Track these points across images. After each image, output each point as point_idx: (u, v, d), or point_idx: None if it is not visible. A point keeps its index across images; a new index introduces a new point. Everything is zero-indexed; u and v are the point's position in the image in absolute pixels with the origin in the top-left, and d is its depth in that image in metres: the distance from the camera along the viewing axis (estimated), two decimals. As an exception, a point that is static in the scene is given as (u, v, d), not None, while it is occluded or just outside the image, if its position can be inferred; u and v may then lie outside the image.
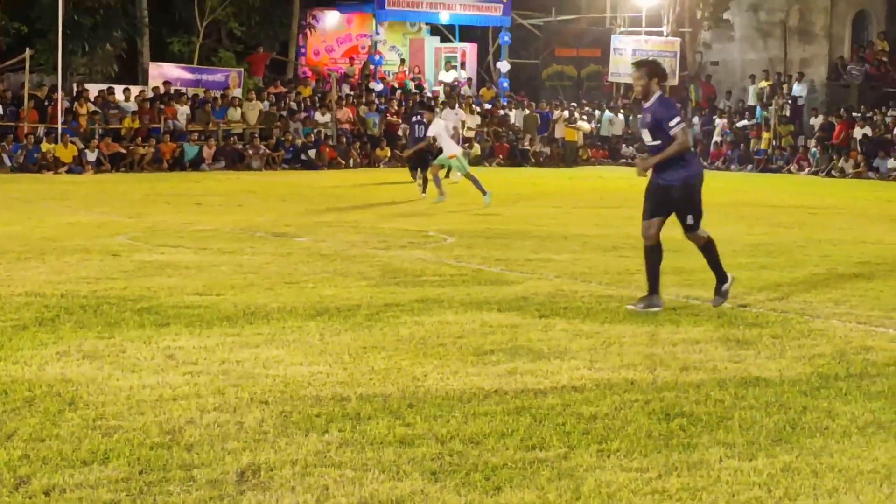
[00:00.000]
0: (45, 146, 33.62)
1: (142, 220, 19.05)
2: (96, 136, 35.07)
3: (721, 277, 10.80)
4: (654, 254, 10.68)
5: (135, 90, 38.40)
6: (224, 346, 8.63)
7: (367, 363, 8.12)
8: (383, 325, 9.53)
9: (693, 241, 10.82)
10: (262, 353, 8.38)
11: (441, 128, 24.67)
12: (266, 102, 39.97)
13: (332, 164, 38.17)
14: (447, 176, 25.81)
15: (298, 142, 38.65)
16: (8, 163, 33.02)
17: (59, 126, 34.52)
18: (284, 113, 40.06)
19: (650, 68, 10.85)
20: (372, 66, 47.00)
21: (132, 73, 41.86)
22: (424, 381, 7.64)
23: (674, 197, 10.59)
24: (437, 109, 28.25)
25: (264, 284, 11.75)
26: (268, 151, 37.61)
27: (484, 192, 23.09)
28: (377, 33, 46.98)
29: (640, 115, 11.32)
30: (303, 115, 40.43)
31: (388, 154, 39.96)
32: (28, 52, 36.04)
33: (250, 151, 37.08)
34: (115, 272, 12.51)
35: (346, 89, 43.88)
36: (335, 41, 49.74)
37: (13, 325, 9.33)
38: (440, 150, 24.44)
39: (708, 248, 10.79)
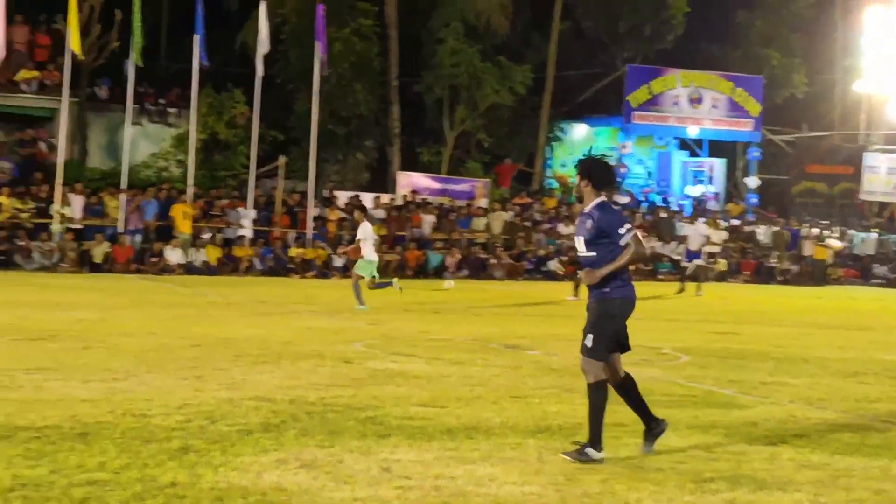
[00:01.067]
0: (294, 251, 34.63)
1: (379, 328, 19.31)
2: (344, 242, 35.93)
3: (594, 438, 8.86)
4: (625, 390, 9.25)
5: (384, 198, 39.31)
6: (441, 460, 8.59)
7: (581, 486, 7.96)
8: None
9: (582, 368, 9.05)
10: (477, 470, 8.30)
11: (367, 231, 23.84)
12: (511, 213, 40.34)
13: (574, 276, 38.08)
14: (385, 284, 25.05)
15: (541, 252, 38.82)
16: (259, 266, 34.09)
17: (309, 231, 35.53)
18: (528, 223, 40.34)
19: (585, 167, 9.27)
20: (617, 179, 47.03)
21: (381, 181, 42.96)
22: (638, 507, 7.45)
23: (587, 312, 9.12)
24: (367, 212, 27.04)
25: (490, 398, 11.70)
26: (510, 261, 37.86)
27: (360, 303, 22.99)
28: (624, 146, 47.00)
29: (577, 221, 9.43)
30: (546, 226, 40.63)
31: (633, 268, 39.75)
32: (282, 159, 37.31)
33: (493, 261, 37.40)
34: (345, 379, 12.66)
35: (590, 202, 43.98)
36: (581, 153, 50.08)
37: (239, 429, 9.50)
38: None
39: (593, 390, 8.94)
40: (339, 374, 13.15)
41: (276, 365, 13.69)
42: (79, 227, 33.96)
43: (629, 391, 9.26)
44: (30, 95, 38.27)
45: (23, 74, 38.19)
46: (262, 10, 35.83)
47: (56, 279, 29.09)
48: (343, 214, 37.43)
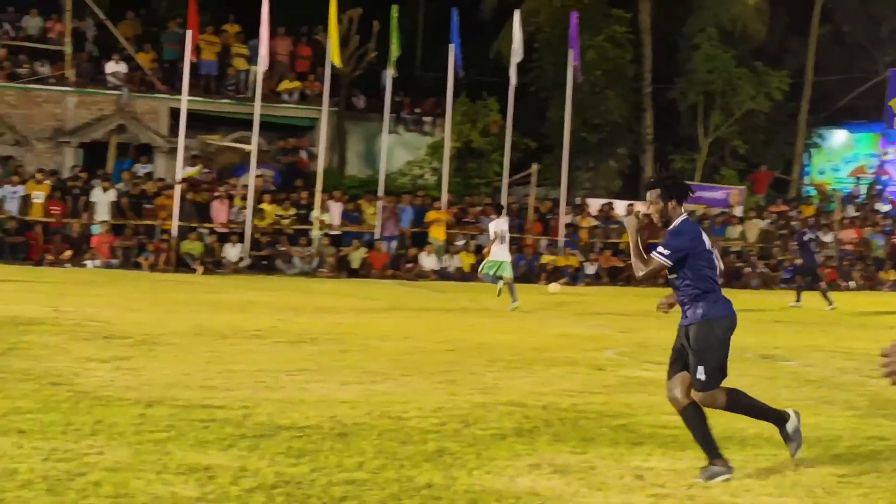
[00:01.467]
0: (545, 258, 34.75)
1: (632, 335, 19.23)
2: (596, 250, 35.90)
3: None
4: (690, 415, 8.44)
5: (637, 205, 39.05)
6: (694, 470, 8.51)
7: (841, 499, 7.79)
8: (863, 459, 9.12)
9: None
10: (732, 481, 8.21)
11: (491, 231, 24.27)
12: (766, 221, 39.61)
13: (832, 286, 37.09)
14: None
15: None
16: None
17: (561, 239, 35.62)
18: (785, 232, 39.52)
19: (666, 188, 8.46)
20: (879, 187, 45.66)
21: (634, 188, 42.70)
22: (900, 523, 7.25)
23: (688, 339, 8.40)
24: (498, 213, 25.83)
25: (744, 408, 11.52)
26: (766, 270, 37.16)
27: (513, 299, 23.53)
28: (886, 153, 45.61)
29: None
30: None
31: (894, 277, 38.58)
32: (535, 166, 37.49)
33: (748, 270, 36.77)
34: (597, 386, 12.68)
35: (850, 210, 42.83)
36: (841, 160, 48.78)
37: (493, 433, 9.62)
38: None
39: (733, 403, 8.59)
40: (591, 381, 13.18)
41: (528, 370, 13.81)
42: (337, 233, 34.83)
43: (694, 420, 8.47)
44: (291, 105, 39.45)
45: (285, 85, 39.41)
46: (517, 19, 36.08)
47: (315, 284, 29.89)
48: (595, 222, 37.40)
